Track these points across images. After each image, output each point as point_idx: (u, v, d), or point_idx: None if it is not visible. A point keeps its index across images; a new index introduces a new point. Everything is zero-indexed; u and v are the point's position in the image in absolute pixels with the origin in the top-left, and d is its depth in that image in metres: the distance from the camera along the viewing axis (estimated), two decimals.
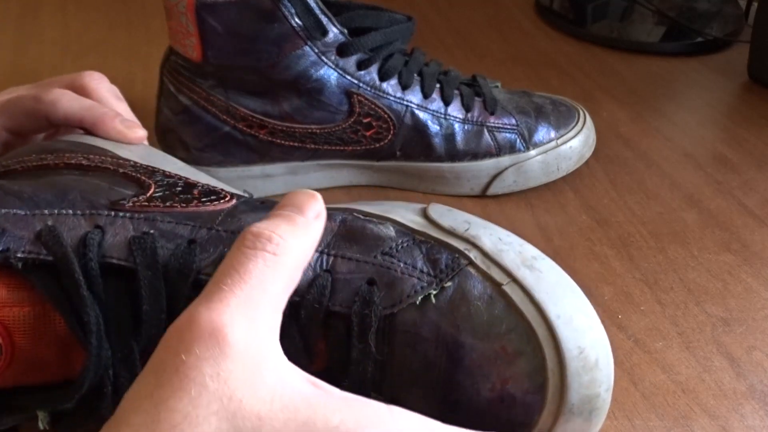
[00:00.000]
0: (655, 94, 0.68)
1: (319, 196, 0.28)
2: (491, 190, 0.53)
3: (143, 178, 0.32)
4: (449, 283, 0.28)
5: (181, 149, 0.51)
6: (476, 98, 0.52)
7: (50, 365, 0.29)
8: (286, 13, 0.45)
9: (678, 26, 0.77)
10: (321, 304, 0.28)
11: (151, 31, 0.76)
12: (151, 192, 0.31)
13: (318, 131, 0.50)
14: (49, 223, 0.28)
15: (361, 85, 0.49)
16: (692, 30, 0.76)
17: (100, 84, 0.42)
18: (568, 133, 0.53)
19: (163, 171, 0.34)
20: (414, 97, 0.50)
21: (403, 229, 0.31)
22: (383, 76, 0.49)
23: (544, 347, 0.27)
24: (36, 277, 0.27)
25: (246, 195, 0.34)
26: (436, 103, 0.51)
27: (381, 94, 0.49)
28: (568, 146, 0.53)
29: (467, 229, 0.30)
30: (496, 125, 0.52)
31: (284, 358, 0.24)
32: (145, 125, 0.40)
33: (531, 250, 0.30)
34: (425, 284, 0.28)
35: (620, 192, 0.54)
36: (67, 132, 0.40)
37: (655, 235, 0.50)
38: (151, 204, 0.30)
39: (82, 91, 0.41)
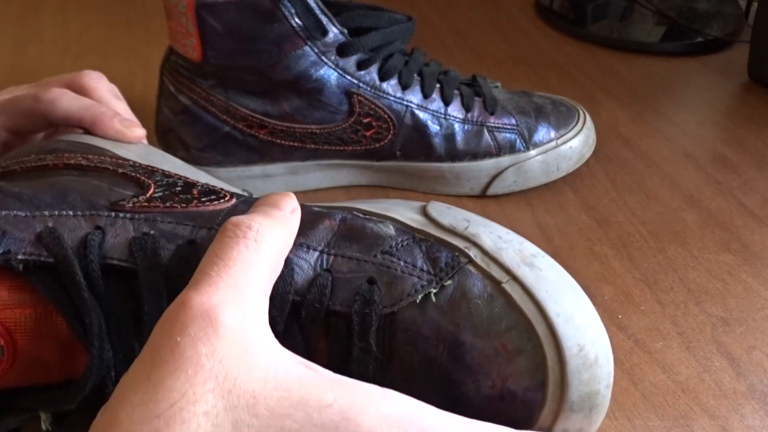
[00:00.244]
0: (655, 94, 0.68)
1: (293, 195, 0.29)
2: (491, 190, 0.53)
3: (143, 178, 0.32)
4: (449, 282, 0.28)
5: (181, 149, 0.51)
6: (476, 98, 0.52)
7: (52, 366, 0.29)
8: (286, 13, 0.45)
9: (678, 26, 0.77)
10: (322, 304, 0.28)
11: (151, 31, 0.76)
12: (150, 192, 0.31)
13: (318, 131, 0.50)
14: (50, 224, 0.28)
15: (361, 85, 0.49)
16: (692, 30, 0.76)
17: (98, 83, 0.42)
18: (568, 133, 0.53)
19: (163, 170, 0.34)
20: (414, 97, 0.50)
21: (402, 227, 0.31)
22: (383, 76, 0.49)
23: (544, 345, 0.27)
24: (37, 279, 0.27)
25: (246, 194, 0.34)
26: (436, 103, 0.51)
27: (381, 94, 0.49)
28: (568, 146, 0.53)
29: (467, 227, 0.30)
30: (496, 125, 0.52)
31: (275, 341, 0.24)
32: (145, 125, 0.40)
33: (530, 248, 0.30)
34: (425, 283, 0.28)
35: (620, 192, 0.54)
36: (67, 131, 0.40)
37: (655, 235, 0.50)
38: (151, 204, 0.30)
39: (81, 90, 0.41)
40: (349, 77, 0.49)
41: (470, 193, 0.53)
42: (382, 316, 0.28)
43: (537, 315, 0.27)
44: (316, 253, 0.29)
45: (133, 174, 0.32)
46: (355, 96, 0.49)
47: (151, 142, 0.41)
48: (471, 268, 0.29)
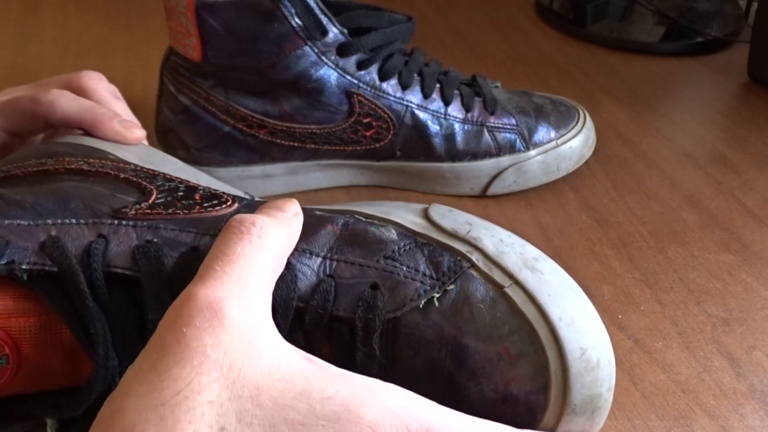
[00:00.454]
0: (655, 94, 0.68)
1: (296, 201, 0.30)
2: (491, 190, 0.53)
3: (144, 183, 0.32)
4: (452, 286, 0.28)
5: (181, 149, 0.51)
6: (476, 98, 0.52)
7: (57, 373, 0.29)
8: (286, 13, 0.45)
9: (678, 26, 0.77)
10: (325, 310, 0.28)
11: (151, 31, 0.76)
12: (152, 198, 0.31)
13: (318, 131, 0.50)
14: (53, 233, 0.28)
15: (361, 85, 0.49)
16: (692, 30, 0.76)
17: (98, 84, 0.42)
18: (568, 133, 0.53)
19: (164, 174, 0.34)
20: (414, 97, 0.50)
21: (404, 231, 0.31)
22: (383, 76, 0.49)
23: (546, 349, 0.27)
24: (41, 288, 0.27)
25: (247, 197, 0.34)
26: (436, 103, 0.51)
27: (381, 94, 0.49)
28: (568, 146, 0.53)
29: (469, 231, 0.30)
30: (496, 125, 0.52)
31: (279, 335, 0.24)
32: (145, 125, 0.40)
33: (532, 251, 0.30)
34: (428, 287, 0.28)
35: (620, 192, 0.54)
36: (66, 133, 0.40)
37: (655, 235, 0.50)
38: (154, 211, 0.30)
39: (80, 91, 0.41)
40: (349, 77, 0.49)
41: (470, 193, 0.53)
42: (386, 321, 0.28)
43: (539, 319, 0.27)
44: (319, 259, 0.29)
45: (134, 179, 0.32)
46: (355, 96, 0.49)
47: (151, 142, 0.41)
48: (473, 272, 0.29)
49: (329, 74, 0.48)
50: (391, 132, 0.51)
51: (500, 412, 0.27)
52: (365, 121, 0.50)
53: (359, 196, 0.53)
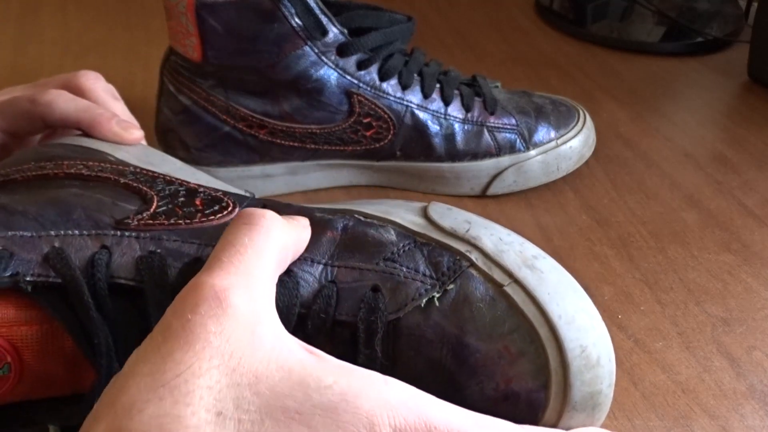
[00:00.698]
0: (655, 94, 0.68)
1: (307, 219, 0.31)
2: (491, 190, 0.53)
3: (145, 188, 0.32)
4: (452, 286, 0.28)
5: (181, 149, 0.51)
6: (476, 98, 0.52)
7: (59, 381, 0.29)
8: (286, 13, 0.45)
9: (678, 26, 0.77)
10: (327, 314, 0.28)
11: (151, 31, 0.76)
12: (154, 207, 0.31)
13: (318, 131, 0.50)
14: (56, 244, 0.28)
15: (361, 85, 0.49)
16: (692, 30, 0.76)
17: (95, 83, 0.42)
18: (568, 133, 0.53)
19: (164, 176, 0.34)
20: (414, 97, 0.50)
21: (404, 231, 0.31)
22: (383, 76, 0.49)
23: (546, 347, 0.27)
24: (45, 300, 0.28)
25: (248, 195, 0.34)
26: (436, 103, 0.51)
27: (381, 94, 0.49)
28: (568, 146, 0.53)
29: (468, 230, 0.30)
30: (496, 125, 0.52)
31: (281, 326, 0.25)
32: (144, 125, 0.40)
33: (532, 249, 0.30)
34: (428, 287, 0.28)
35: (620, 192, 0.54)
36: (64, 133, 0.40)
37: (655, 235, 0.50)
38: (156, 222, 0.30)
39: (78, 91, 0.41)
40: (349, 77, 0.49)
41: (470, 193, 0.53)
42: (387, 323, 0.28)
43: (539, 317, 0.27)
44: (320, 266, 0.29)
45: (134, 184, 0.32)
46: (355, 96, 0.49)
47: (151, 142, 0.41)
48: (473, 271, 0.29)
49: (329, 74, 0.48)
50: (391, 132, 0.51)
51: (501, 410, 0.27)
52: (365, 121, 0.50)
53: (359, 196, 0.53)
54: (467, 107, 0.51)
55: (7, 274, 0.27)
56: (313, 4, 0.46)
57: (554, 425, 0.28)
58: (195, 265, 0.29)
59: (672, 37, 0.76)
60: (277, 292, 0.27)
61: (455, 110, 0.51)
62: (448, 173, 0.52)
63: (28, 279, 0.27)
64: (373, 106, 0.49)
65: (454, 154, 0.52)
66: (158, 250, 0.29)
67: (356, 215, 0.32)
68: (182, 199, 0.32)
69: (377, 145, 0.51)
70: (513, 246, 0.29)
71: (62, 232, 0.29)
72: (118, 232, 0.29)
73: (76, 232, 0.29)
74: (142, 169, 0.35)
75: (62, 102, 0.38)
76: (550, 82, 0.69)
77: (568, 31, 0.79)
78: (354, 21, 0.48)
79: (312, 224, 0.31)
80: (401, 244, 0.30)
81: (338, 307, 0.28)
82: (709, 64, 0.74)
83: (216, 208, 0.32)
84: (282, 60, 0.47)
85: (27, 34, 0.74)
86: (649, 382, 0.39)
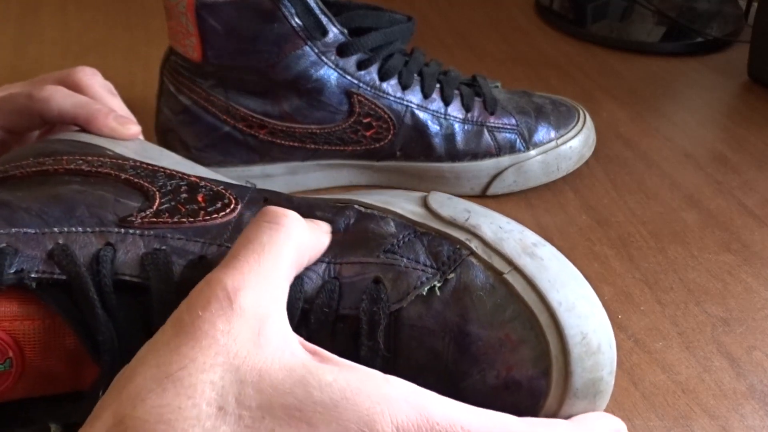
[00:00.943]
0: (655, 94, 0.68)
1: (330, 225, 0.31)
2: (491, 190, 0.53)
3: (146, 184, 0.32)
4: (452, 275, 0.29)
5: (181, 149, 0.51)
6: (476, 98, 0.52)
7: (60, 377, 0.29)
8: (286, 13, 0.45)
9: (678, 26, 0.77)
10: (330, 308, 0.28)
11: (151, 31, 0.76)
12: (156, 204, 0.31)
13: (318, 131, 0.50)
14: (60, 241, 0.29)
15: (361, 85, 0.49)
16: (692, 30, 0.76)
17: (93, 79, 0.42)
18: (568, 133, 0.53)
19: (164, 170, 0.34)
20: (414, 97, 0.50)
21: (404, 221, 0.31)
22: (383, 76, 0.49)
23: (547, 334, 0.27)
24: (49, 296, 0.28)
25: (249, 185, 0.34)
26: (436, 103, 0.51)
27: (381, 94, 0.49)
28: (568, 146, 0.53)
29: (467, 219, 0.30)
30: (496, 125, 0.52)
31: (289, 327, 0.25)
32: (145, 125, 0.40)
33: (531, 237, 0.30)
34: (429, 276, 0.29)
35: (620, 192, 0.54)
36: (62, 129, 0.40)
37: (655, 235, 0.50)
38: (159, 219, 0.30)
39: (75, 87, 0.41)
40: (349, 77, 0.49)
41: (470, 193, 0.53)
42: (389, 314, 0.28)
43: (539, 304, 0.27)
44: (324, 264, 0.29)
45: (135, 179, 0.32)
46: (355, 96, 0.49)
47: (150, 142, 0.41)
48: (473, 259, 0.29)
49: (329, 74, 0.48)
50: (391, 132, 0.51)
51: (503, 399, 0.27)
52: (365, 121, 0.50)
53: None
54: (467, 107, 0.51)
55: (12, 270, 0.27)
56: (313, 4, 0.46)
57: (555, 413, 0.28)
58: (200, 263, 0.29)
59: (672, 37, 0.76)
60: None
61: (455, 110, 0.51)
62: (448, 173, 0.52)
63: (32, 276, 0.27)
64: (373, 106, 0.49)
65: (454, 154, 0.52)
66: (163, 248, 0.29)
67: (357, 206, 0.32)
68: (184, 195, 0.32)
69: (377, 145, 0.51)
70: (513, 234, 0.29)
71: (66, 229, 0.29)
72: (122, 230, 0.30)
73: (80, 229, 0.29)
74: (141, 163, 0.35)
75: (59, 98, 0.38)
76: (550, 82, 0.69)
77: (568, 31, 0.79)
78: (354, 21, 0.48)
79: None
80: (401, 235, 0.30)
81: (341, 301, 0.28)
82: (709, 64, 0.74)
83: (219, 205, 0.32)
84: (282, 60, 0.47)
85: (27, 34, 0.74)
86: (649, 382, 0.39)
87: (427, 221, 0.30)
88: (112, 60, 0.70)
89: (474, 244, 0.29)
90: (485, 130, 0.52)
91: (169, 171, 0.34)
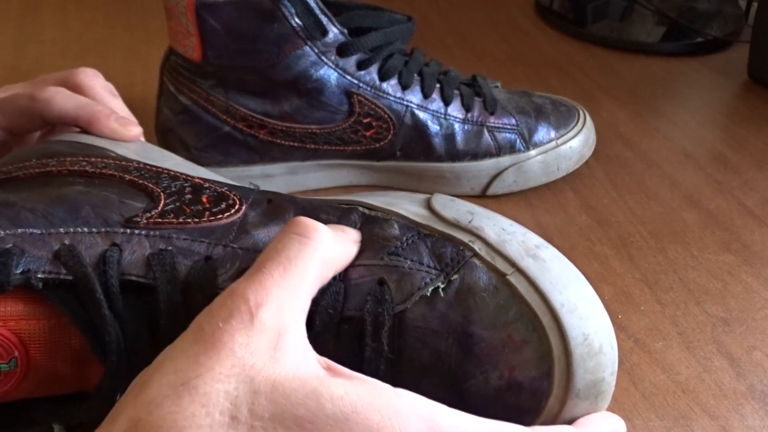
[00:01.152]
0: (655, 94, 0.68)
1: (360, 233, 0.31)
2: (491, 190, 0.53)
3: (150, 185, 0.32)
4: (455, 276, 0.29)
5: (181, 149, 0.51)
6: (476, 98, 0.52)
7: (65, 378, 0.29)
8: (286, 13, 0.45)
9: (678, 26, 0.77)
10: (335, 309, 0.28)
11: (151, 31, 0.76)
12: (162, 205, 0.31)
13: (318, 131, 0.50)
14: (66, 242, 0.29)
15: (361, 85, 0.49)
16: (692, 30, 0.76)
17: (94, 80, 0.42)
18: (568, 133, 0.53)
19: (168, 172, 0.34)
20: (414, 97, 0.50)
21: (407, 223, 0.31)
22: (383, 76, 0.49)
23: (549, 335, 0.27)
24: (56, 296, 0.28)
25: (253, 187, 0.34)
26: (436, 103, 0.51)
27: (381, 94, 0.49)
28: (568, 146, 0.53)
29: (471, 221, 0.30)
30: (496, 125, 0.52)
31: (306, 342, 0.26)
32: (145, 125, 0.40)
33: (534, 239, 0.30)
34: (433, 277, 0.29)
35: (620, 192, 0.54)
36: (63, 130, 0.40)
37: (655, 235, 0.50)
38: (165, 220, 0.30)
39: (76, 88, 0.41)
40: (349, 77, 0.49)
41: (470, 193, 0.53)
42: (393, 315, 0.28)
43: (542, 306, 0.27)
44: None
45: (140, 181, 0.33)
46: (355, 96, 0.49)
47: (151, 142, 0.41)
48: (476, 261, 0.29)
49: (329, 74, 0.48)
50: (391, 132, 0.51)
51: (505, 399, 0.28)
52: (365, 121, 0.50)
53: None
54: (467, 107, 0.51)
55: (19, 271, 0.27)
56: (313, 4, 0.46)
57: (557, 413, 0.28)
58: (206, 264, 0.29)
59: (672, 37, 0.76)
60: None
61: (455, 110, 0.51)
62: (448, 173, 0.52)
63: (39, 276, 0.27)
64: (373, 106, 0.49)
65: (454, 154, 0.52)
66: (169, 248, 0.29)
67: (361, 207, 0.32)
68: (189, 196, 0.32)
69: (377, 145, 0.51)
70: (515, 236, 0.30)
71: (72, 230, 0.29)
72: (128, 230, 0.30)
73: (86, 229, 0.29)
74: (145, 164, 0.35)
75: (61, 99, 0.38)
76: (550, 82, 0.69)
77: (568, 31, 0.79)
78: (354, 21, 0.48)
79: None
80: (405, 237, 0.30)
81: (346, 303, 0.28)
82: (709, 64, 0.74)
83: (223, 206, 0.32)
84: (282, 60, 0.47)
85: (27, 34, 0.74)
86: (649, 382, 0.39)
87: (431, 223, 0.31)
88: (112, 60, 0.70)
89: (477, 246, 0.29)
90: (485, 130, 0.52)
91: (173, 173, 0.34)
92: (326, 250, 0.27)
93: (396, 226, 0.31)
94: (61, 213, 0.30)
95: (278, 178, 0.52)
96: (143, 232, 0.30)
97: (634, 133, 0.62)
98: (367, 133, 0.50)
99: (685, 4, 0.81)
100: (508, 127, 0.52)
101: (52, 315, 0.28)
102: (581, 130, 0.54)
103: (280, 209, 0.32)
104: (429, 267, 0.29)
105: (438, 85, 0.51)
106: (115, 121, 0.38)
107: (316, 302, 0.28)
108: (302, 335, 0.25)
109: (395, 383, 0.27)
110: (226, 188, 0.33)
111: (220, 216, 0.31)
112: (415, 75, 0.51)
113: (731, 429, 0.37)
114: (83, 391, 0.30)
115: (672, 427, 0.37)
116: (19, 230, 0.28)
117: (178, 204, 0.31)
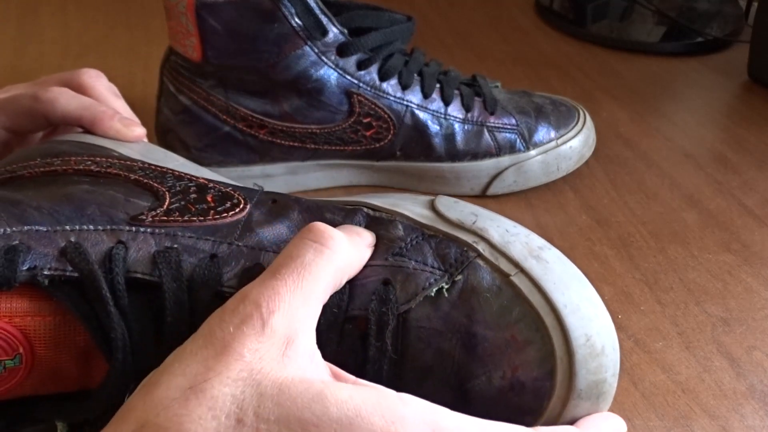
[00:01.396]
0: (655, 94, 0.68)
1: (374, 234, 0.31)
2: (491, 190, 0.53)
3: (156, 185, 0.32)
4: (459, 277, 0.29)
5: (181, 149, 0.51)
6: (476, 98, 0.52)
7: (69, 375, 0.29)
8: (286, 13, 0.45)
9: (678, 26, 0.77)
10: (340, 309, 0.28)
11: (151, 31, 0.76)
12: (167, 204, 0.31)
13: (318, 131, 0.50)
14: (72, 239, 0.29)
15: (361, 85, 0.49)
16: (692, 30, 0.76)
17: (97, 81, 0.42)
18: (568, 133, 0.53)
19: (172, 171, 0.34)
20: (414, 97, 0.50)
21: (411, 223, 0.31)
22: (383, 76, 0.49)
23: (552, 336, 0.27)
24: (61, 293, 0.28)
25: (257, 188, 0.35)
26: (436, 103, 0.51)
27: (381, 94, 0.49)
28: (568, 146, 0.53)
29: (474, 222, 0.30)
30: (496, 125, 0.52)
31: (315, 349, 0.26)
32: (145, 125, 0.40)
33: (537, 241, 0.30)
34: (437, 277, 0.29)
35: (620, 192, 0.54)
36: (66, 131, 0.40)
37: (655, 235, 0.50)
38: (170, 218, 0.31)
39: (79, 88, 0.41)
40: (349, 77, 0.49)
41: (470, 193, 0.53)
42: (397, 315, 0.28)
43: (545, 306, 0.28)
44: None
45: (145, 180, 0.33)
46: (355, 96, 0.49)
47: (151, 142, 0.41)
48: (480, 261, 0.29)
49: (329, 74, 0.48)
50: (391, 132, 0.51)
51: (508, 399, 0.28)
52: (365, 121, 0.50)
53: None
54: (467, 107, 0.51)
55: (25, 267, 0.27)
56: (313, 4, 0.46)
57: (559, 414, 0.28)
58: (211, 261, 0.29)
59: (672, 37, 0.76)
60: None
61: (455, 110, 0.51)
62: (448, 173, 0.52)
63: (45, 273, 0.27)
64: (373, 106, 0.49)
65: (454, 154, 0.52)
66: (174, 246, 0.29)
67: (365, 208, 0.32)
68: (193, 195, 0.32)
69: (377, 145, 0.51)
70: (519, 237, 0.30)
71: (78, 227, 0.29)
72: (134, 228, 0.30)
73: (92, 227, 0.29)
74: (149, 164, 0.35)
75: (64, 99, 0.38)
76: (550, 82, 0.69)
77: (568, 31, 0.79)
78: (354, 21, 0.48)
79: None
80: (409, 238, 0.30)
81: (351, 302, 0.29)
82: (709, 64, 0.74)
83: (228, 205, 0.32)
84: (282, 60, 0.47)
85: (27, 34, 0.74)
86: (649, 382, 0.39)
87: (435, 224, 0.31)
88: (112, 60, 0.70)
89: (481, 247, 0.29)
90: (485, 130, 0.52)
91: (177, 173, 0.34)
92: (341, 259, 0.28)
93: (400, 227, 0.31)
94: (67, 211, 0.30)
95: (278, 178, 0.52)
96: (149, 230, 0.30)
97: (634, 133, 0.62)
98: (367, 133, 0.50)
99: (685, 4, 0.81)
100: (508, 127, 0.52)
101: (58, 312, 0.28)
102: (581, 130, 0.54)
103: (285, 208, 0.32)
104: (433, 267, 0.29)
105: (438, 85, 0.51)
106: (119, 121, 0.38)
107: None
108: (311, 341, 0.26)
109: (398, 383, 0.27)
110: (230, 188, 0.34)
111: (225, 215, 0.31)
112: (415, 75, 0.51)
113: (731, 429, 0.37)
114: (86, 390, 0.30)
115: (672, 427, 0.37)
116: (25, 227, 0.29)
117: (183, 203, 0.32)
